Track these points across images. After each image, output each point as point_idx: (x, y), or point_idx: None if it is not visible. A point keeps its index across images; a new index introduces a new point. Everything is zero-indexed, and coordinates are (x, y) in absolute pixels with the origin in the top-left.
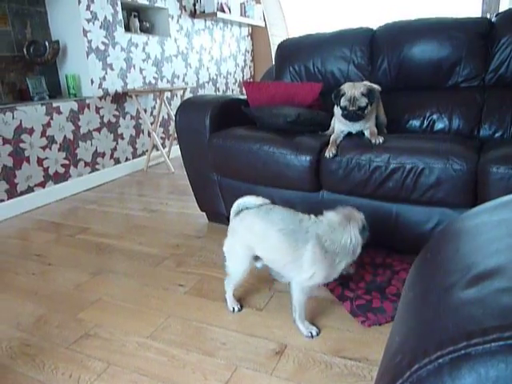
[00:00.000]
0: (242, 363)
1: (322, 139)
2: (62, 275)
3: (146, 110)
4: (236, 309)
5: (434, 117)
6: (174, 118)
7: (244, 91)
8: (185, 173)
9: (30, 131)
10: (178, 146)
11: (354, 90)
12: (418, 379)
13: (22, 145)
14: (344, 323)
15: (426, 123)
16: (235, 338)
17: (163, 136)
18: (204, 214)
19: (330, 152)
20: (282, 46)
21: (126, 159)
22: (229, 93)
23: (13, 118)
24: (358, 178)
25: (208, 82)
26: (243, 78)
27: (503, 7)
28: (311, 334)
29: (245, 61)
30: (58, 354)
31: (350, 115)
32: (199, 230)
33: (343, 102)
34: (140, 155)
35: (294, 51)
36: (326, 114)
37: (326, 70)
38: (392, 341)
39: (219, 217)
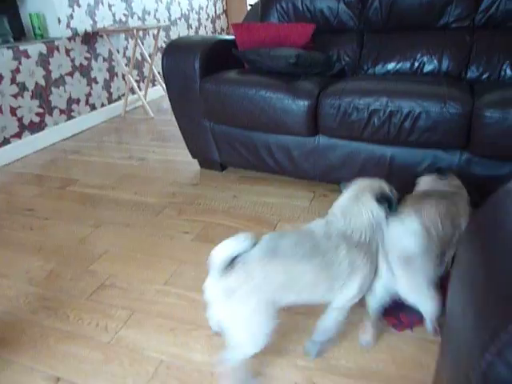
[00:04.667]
0: None
1: (319, 82)
2: (62, 229)
3: (118, 51)
4: None
5: (425, 58)
6: (148, 58)
7: (216, 29)
8: (165, 117)
9: None
10: (154, 89)
11: None
12: None
13: None
14: None
15: (416, 65)
16: None
17: (138, 79)
18: (195, 160)
19: None
20: None
21: (102, 105)
22: (202, 29)
23: None
24: (355, 122)
25: (180, 18)
26: (215, 12)
27: None
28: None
29: None
30: (79, 305)
31: None
32: (193, 178)
33: None
34: (116, 100)
35: None
36: (323, 55)
37: (315, 8)
38: (459, 306)
39: (212, 163)
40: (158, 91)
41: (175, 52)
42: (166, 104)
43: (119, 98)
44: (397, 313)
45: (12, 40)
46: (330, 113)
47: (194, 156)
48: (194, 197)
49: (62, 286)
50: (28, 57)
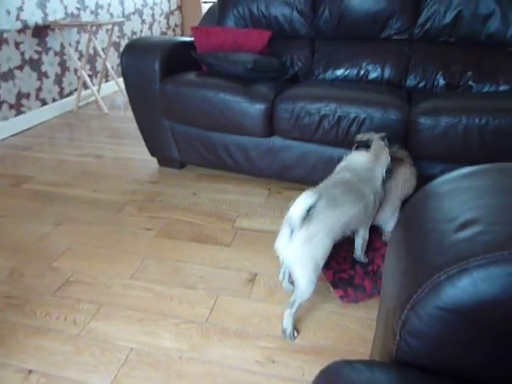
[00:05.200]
0: (221, 292)
1: (274, 86)
2: (20, 227)
3: (70, 45)
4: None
5: (369, 66)
6: (101, 53)
7: (170, 25)
8: (119, 114)
9: None
10: (107, 84)
11: None
12: (436, 285)
13: None
14: None
15: (362, 72)
16: (211, 271)
17: (90, 73)
18: (153, 158)
19: None
20: None
21: (53, 100)
22: (156, 25)
23: None
24: (307, 126)
25: (134, 14)
26: (169, 8)
27: None
28: None
29: None
30: (45, 301)
31: None
32: (152, 175)
33: None
34: (68, 95)
35: None
36: (278, 60)
37: (270, 14)
38: (390, 279)
39: (171, 161)
40: (112, 86)
41: (135, 52)
42: (120, 100)
43: (71, 92)
44: (345, 286)
45: None
46: (284, 116)
47: (152, 154)
48: (154, 194)
49: (26, 283)
50: None
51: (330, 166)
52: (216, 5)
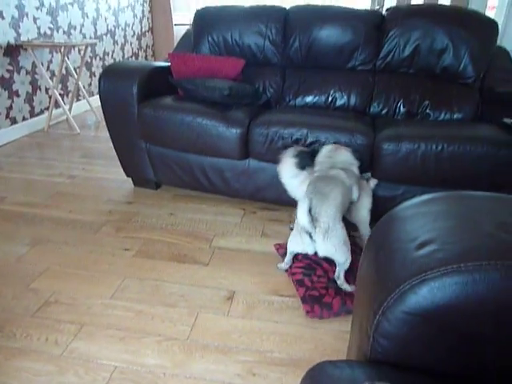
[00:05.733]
0: (201, 309)
1: (249, 112)
2: None
3: (42, 64)
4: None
5: (337, 94)
6: (73, 73)
7: (142, 46)
8: (90, 133)
9: None
10: (78, 104)
11: None
12: (402, 294)
13: None
14: (276, 270)
15: (330, 99)
16: (190, 290)
17: (61, 92)
18: (128, 178)
19: None
20: (200, 15)
21: (24, 118)
22: (127, 46)
23: None
24: (281, 149)
25: (106, 34)
26: (141, 30)
27: (390, 2)
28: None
29: (143, 11)
30: (24, 322)
31: None
32: (127, 196)
33: None
34: (38, 114)
35: (212, 21)
36: (251, 87)
37: (243, 43)
38: (363, 291)
39: (147, 182)
40: (83, 106)
41: (113, 76)
42: (91, 119)
43: (42, 111)
44: (313, 303)
45: None
46: (259, 140)
47: (127, 174)
48: (131, 214)
49: (4, 305)
50: None
51: None
52: (191, 30)
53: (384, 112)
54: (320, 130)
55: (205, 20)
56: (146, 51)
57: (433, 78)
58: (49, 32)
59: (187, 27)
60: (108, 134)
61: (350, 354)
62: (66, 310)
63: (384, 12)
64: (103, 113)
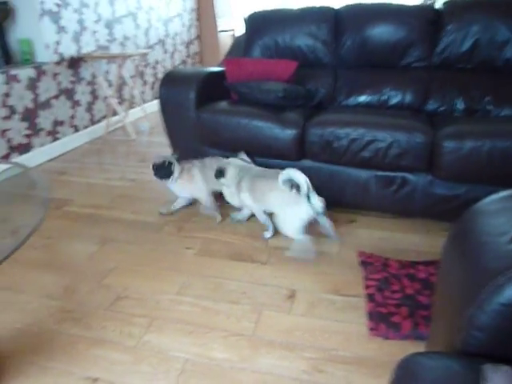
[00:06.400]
0: (263, 307)
1: (303, 113)
2: (67, 247)
3: (100, 75)
4: None
5: (390, 93)
6: (128, 82)
7: (190, 53)
8: (144, 139)
9: None
10: (132, 111)
11: None
12: (498, 286)
13: None
14: (337, 269)
15: (383, 98)
16: (251, 287)
17: (117, 101)
18: None
19: None
20: (252, 19)
21: (85, 127)
22: (177, 54)
23: None
24: (337, 149)
25: (157, 44)
26: (189, 37)
27: None
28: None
29: (190, 20)
30: (100, 315)
31: None
32: None
33: None
34: (97, 122)
35: (264, 25)
36: (304, 88)
37: (294, 45)
38: (448, 284)
39: None
40: (136, 113)
41: (172, 83)
42: (143, 126)
43: (100, 119)
44: (379, 320)
45: (1, 64)
46: (314, 141)
47: None
48: (189, 215)
49: (81, 299)
50: (18, 81)
51: (356, 187)
52: (241, 36)
53: (441, 109)
54: (377, 129)
55: (256, 23)
56: (193, 58)
57: (494, 73)
58: (106, 44)
59: (230, 33)
60: (161, 139)
61: (431, 347)
62: (136, 304)
63: (439, 6)
64: (163, 118)
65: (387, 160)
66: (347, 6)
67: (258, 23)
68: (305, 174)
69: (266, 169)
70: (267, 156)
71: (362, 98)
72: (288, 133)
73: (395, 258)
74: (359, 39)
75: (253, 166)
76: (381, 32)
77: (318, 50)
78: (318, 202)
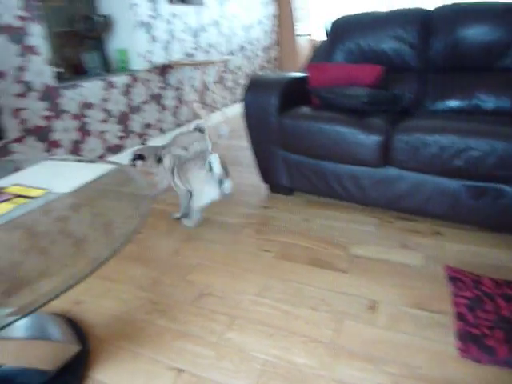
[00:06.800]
0: (343, 316)
1: (388, 119)
2: (156, 242)
3: (185, 81)
4: None
5: (484, 97)
6: (210, 87)
7: (269, 58)
8: (224, 142)
9: (92, 106)
10: (214, 115)
11: None
12: None
13: (85, 119)
14: (422, 283)
15: (476, 103)
16: (331, 295)
17: (199, 105)
18: (262, 183)
19: None
20: (337, 24)
21: (170, 130)
22: (257, 59)
23: (77, 94)
24: (425, 157)
25: (238, 50)
26: (269, 43)
27: None
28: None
29: (271, 26)
30: (184, 309)
31: None
32: (263, 200)
33: None
34: (181, 125)
35: (348, 29)
36: (389, 93)
37: (379, 49)
38: None
39: (281, 188)
40: (216, 117)
41: (255, 88)
42: (223, 129)
43: (184, 123)
44: (469, 341)
45: (101, 72)
46: (400, 147)
47: (265, 181)
48: (268, 218)
49: (167, 292)
50: (115, 87)
51: (443, 197)
52: (323, 41)
53: None
54: (470, 137)
55: (340, 28)
56: (272, 63)
57: None
58: (191, 52)
59: (307, 37)
60: (239, 143)
61: None
62: (218, 302)
63: None
64: (245, 122)
65: (481, 170)
66: (442, 6)
67: (342, 28)
68: (389, 181)
69: (196, 153)
70: (349, 162)
71: (453, 103)
72: (372, 139)
73: (488, 276)
74: (451, 41)
75: (184, 153)
76: (475, 32)
77: (405, 54)
78: (228, 188)
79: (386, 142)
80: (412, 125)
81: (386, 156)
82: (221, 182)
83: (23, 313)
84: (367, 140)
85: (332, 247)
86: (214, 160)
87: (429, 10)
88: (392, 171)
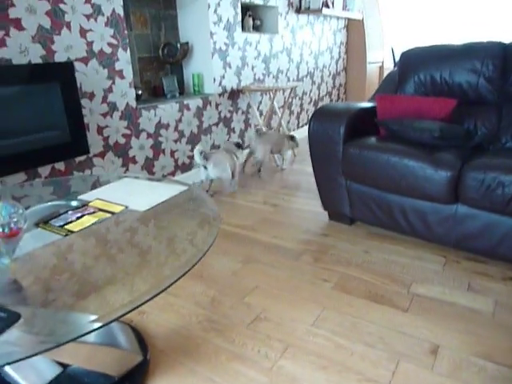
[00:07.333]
0: (402, 357)
1: (460, 154)
2: (216, 261)
3: (254, 105)
4: None
5: None
6: (278, 112)
7: (335, 84)
8: (288, 167)
9: (167, 126)
10: None
11: None
12: None
13: (160, 138)
14: (491, 332)
15: None
16: (389, 334)
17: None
18: (323, 211)
19: None
20: (407, 55)
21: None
22: (323, 85)
23: (155, 115)
24: (500, 197)
25: (306, 76)
26: (336, 70)
27: None
28: None
29: (339, 53)
30: (241, 331)
31: None
32: (323, 228)
33: None
34: (246, 148)
35: (419, 61)
36: (462, 128)
37: (453, 81)
38: None
39: (341, 216)
40: None
41: (322, 117)
42: (287, 155)
43: (249, 146)
44: None
45: (177, 95)
46: (473, 185)
47: (325, 208)
48: (327, 247)
49: (224, 312)
50: (188, 109)
51: None
52: (393, 72)
53: None
54: None
55: (411, 59)
56: (338, 89)
57: None
58: (261, 77)
59: (378, 65)
60: (302, 167)
61: None
62: (274, 327)
63: None
64: (310, 149)
65: None
66: None
67: (413, 59)
68: (458, 219)
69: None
70: (416, 196)
71: None
72: (442, 175)
73: None
74: None
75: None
76: None
77: (481, 87)
78: (211, 172)
79: (457, 179)
80: (487, 162)
81: (455, 193)
82: (205, 167)
83: (104, 322)
84: (436, 175)
85: (393, 283)
86: (196, 155)
87: (506, 44)
88: (461, 209)
